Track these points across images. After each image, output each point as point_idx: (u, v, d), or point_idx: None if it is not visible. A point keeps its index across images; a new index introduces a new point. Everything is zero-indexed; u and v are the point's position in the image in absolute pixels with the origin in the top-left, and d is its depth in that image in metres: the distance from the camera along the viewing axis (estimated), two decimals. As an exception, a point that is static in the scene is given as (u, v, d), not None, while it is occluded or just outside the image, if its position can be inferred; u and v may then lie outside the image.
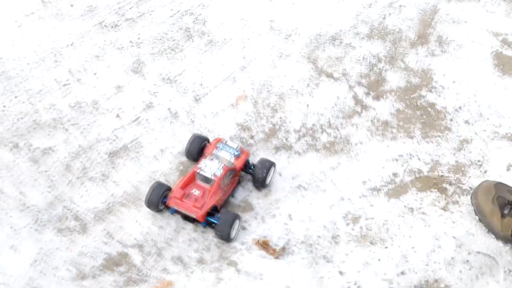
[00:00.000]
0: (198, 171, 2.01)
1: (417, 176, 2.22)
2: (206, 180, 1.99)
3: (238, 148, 2.10)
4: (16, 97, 2.30)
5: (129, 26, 2.60)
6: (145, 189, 2.02)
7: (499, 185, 2.08)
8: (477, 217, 2.07)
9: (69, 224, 1.99)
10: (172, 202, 1.95)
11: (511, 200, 2.04)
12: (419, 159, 2.27)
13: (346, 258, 1.99)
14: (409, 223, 2.09)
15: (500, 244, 2.03)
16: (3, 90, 2.31)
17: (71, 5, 2.62)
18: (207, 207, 1.95)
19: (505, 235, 2.02)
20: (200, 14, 2.68)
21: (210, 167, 2.01)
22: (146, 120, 2.28)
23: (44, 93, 2.32)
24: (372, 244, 2.03)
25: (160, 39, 2.57)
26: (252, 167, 2.10)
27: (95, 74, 2.41)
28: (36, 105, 2.29)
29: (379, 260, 1.99)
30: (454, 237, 2.06)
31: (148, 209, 2.02)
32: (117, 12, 2.66)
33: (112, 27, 2.59)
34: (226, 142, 2.11)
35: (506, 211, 2.02)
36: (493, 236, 2.04)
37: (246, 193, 2.13)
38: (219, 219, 1.95)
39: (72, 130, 2.23)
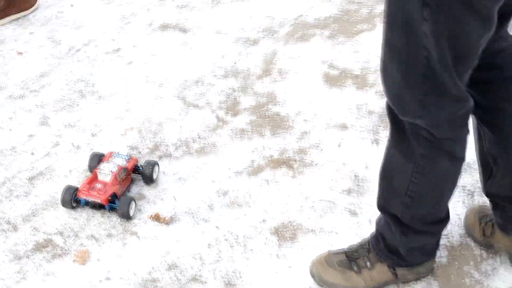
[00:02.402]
0: (98, 170, 2.68)
1: (269, 159, 2.94)
2: (105, 176, 2.66)
3: (128, 155, 2.79)
4: None
5: (33, 95, 3.31)
6: (59, 197, 2.66)
7: (483, 207, 2.45)
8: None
9: (3, 227, 2.60)
10: (81, 194, 2.61)
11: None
12: (270, 148, 2.99)
13: (220, 217, 2.65)
14: (266, 189, 2.78)
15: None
16: None
17: (-16, 86, 3.30)
18: (108, 193, 2.60)
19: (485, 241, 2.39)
20: (89, 80, 3.42)
21: (108, 167, 2.69)
22: (55, 153, 2.95)
23: (-30, 148, 2.96)
24: (239, 206, 2.71)
25: (60, 100, 3.28)
26: (140, 167, 2.79)
27: (10, 130, 3.09)
28: (-35, 157, 2.92)
29: (245, 215, 2.66)
30: (301, 193, 2.76)
31: (64, 208, 2.65)
32: (22, 87, 3.37)
33: (20, 97, 3.29)
34: (118, 152, 2.80)
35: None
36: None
37: (139, 188, 2.79)
38: (119, 203, 2.61)
39: (-3, 168, 2.87)
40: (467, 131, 1.93)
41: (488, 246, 2.37)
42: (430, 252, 2.21)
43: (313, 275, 2.32)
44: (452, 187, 2.04)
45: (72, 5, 4.01)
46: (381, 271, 2.19)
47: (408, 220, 2.03)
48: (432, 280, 2.35)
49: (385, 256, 2.17)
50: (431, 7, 1.57)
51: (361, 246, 2.23)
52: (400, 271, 2.20)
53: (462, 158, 1.94)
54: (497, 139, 2.07)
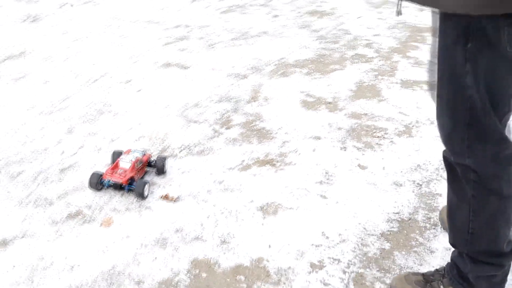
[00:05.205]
0: (120, 159, 3.38)
1: (256, 160, 3.65)
2: (126, 164, 3.37)
3: (143, 151, 3.50)
4: (-7, 151, 3.62)
5: (60, 112, 4.03)
6: (86, 183, 3.35)
7: None
8: None
9: (42, 202, 3.27)
10: (106, 176, 3.30)
11: None
12: (257, 152, 3.70)
13: (216, 199, 3.31)
14: (253, 180, 3.45)
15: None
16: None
17: (19, 105, 4.02)
18: (128, 176, 3.29)
19: None
20: (106, 101, 4.15)
21: (128, 157, 3.39)
22: (82, 153, 3.65)
23: (12, 151, 3.67)
24: (232, 191, 3.39)
25: (83, 116, 4.00)
26: (153, 162, 3.50)
27: (42, 136, 3.79)
28: (8, 155, 3.62)
29: (237, 197, 3.33)
30: (281, 183, 3.46)
31: (91, 189, 3.34)
32: (50, 106, 4.09)
33: (48, 114, 4.01)
34: (136, 149, 3.51)
35: None
36: None
37: (151, 178, 3.47)
38: (136, 185, 3.30)
39: (35, 163, 3.56)
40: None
41: None
42: (497, 283, 2.26)
43: None
44: (505, 224, 2.12)
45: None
46: None
47: (474, 255, 2.18)
48: (386, 243, 3.00)
49: (457, 282, 2.30)
50: (472, 62, 1.81)
51: (438, 271, 2.41)
52: None
53: (509, 196, 2.06)
54: None
